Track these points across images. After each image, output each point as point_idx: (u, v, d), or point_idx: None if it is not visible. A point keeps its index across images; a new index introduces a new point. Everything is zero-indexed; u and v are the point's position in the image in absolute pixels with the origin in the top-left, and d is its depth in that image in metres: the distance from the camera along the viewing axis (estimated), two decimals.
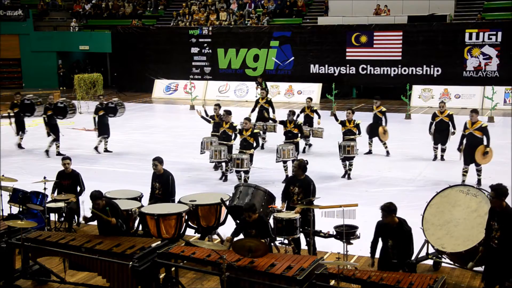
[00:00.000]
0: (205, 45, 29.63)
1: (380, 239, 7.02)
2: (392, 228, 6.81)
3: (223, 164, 13.20)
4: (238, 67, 29.11)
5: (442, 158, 14.77)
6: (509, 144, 14.98)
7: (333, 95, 22.72)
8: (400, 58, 26.23)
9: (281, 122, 13.99)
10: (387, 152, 15.37)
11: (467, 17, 27.54)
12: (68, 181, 9.89)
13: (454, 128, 14.46)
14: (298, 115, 14.96)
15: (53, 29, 35.00)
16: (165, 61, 30.22)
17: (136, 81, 30.76)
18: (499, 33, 24.66)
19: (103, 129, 16.08)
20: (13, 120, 16.57)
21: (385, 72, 26.61)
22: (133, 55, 30.83)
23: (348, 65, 27.12)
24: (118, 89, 30.71)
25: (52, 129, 15.82)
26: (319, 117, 15.87)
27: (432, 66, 25.86)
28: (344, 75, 27.24)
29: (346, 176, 13.18)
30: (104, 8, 35.26)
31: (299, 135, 13.76)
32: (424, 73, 26.02)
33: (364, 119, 14.80)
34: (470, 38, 25.14)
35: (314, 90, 26.87)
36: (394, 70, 26.43)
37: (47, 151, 15.62)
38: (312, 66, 27.77)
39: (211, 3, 32.89)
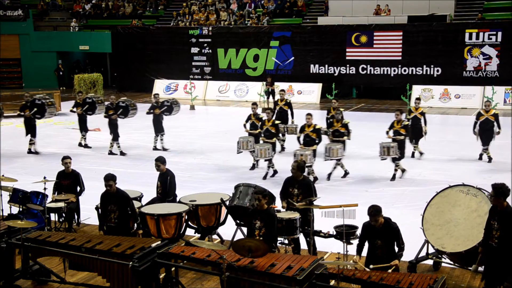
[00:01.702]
0: (205, 45, 29.63)
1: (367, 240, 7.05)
2: (379, 228, 6.81)
3: (269, 161, 13.33)
4: (238, 67, 29.10)
5: (480, 157, 14.55)
6: (509, 144, 14.98)
7: (333, 95, 22.72)
8: (400, 58, 26.22)
9: (329, 124, 13.63)
10: (420, 153, 14.98)
11: (467, 17, 27.54)
12: (68, 181, 9.89)
13: (499, 128, 14.31)
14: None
15: (53, 29, 35.00)
16: (165, 61, 30.21)
17: (136, 81, 30.76)
18: (499, 33, 24.65)
19: (158, 127, 16.26)
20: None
21: (385, 72, 26.60)
22: (133, 55, 30.82)
23: (348, 65, 27.11)
24: (118, 89, 30.71)
25: (112, 129, 15.87)
26: (293, 116, 15.81)
27: (432, 66, 25.85)
28: (344, 75, 27.23)
29: (392, 177, 13.04)
30: (104, 8, 35.27)
31: (346, 134, 13.45)
32: (424, 73, 26.02)
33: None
34: (470, 38, 25.13)
35: (314, 90, 26.88)
36: (394, 70, 26.42)
37: (111, 152, 15.77)
38: (312, 66, 27.76)
39: (211, 3, 32.89)
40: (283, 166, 13.25)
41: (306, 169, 12.28)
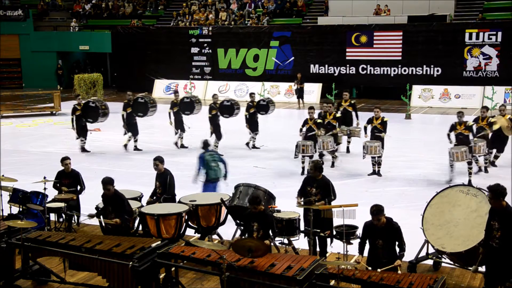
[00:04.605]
0: (205, 45, 29.64)
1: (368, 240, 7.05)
2: (380, 228, 6.81)
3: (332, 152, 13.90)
4: (238, 67, 29.12)
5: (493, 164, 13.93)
6: (508, 144, 14.98)
7: (333, 95, 22.72)
8: (400, 58, 26.24)
9: (452, 127, 12.99)
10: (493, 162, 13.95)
11: (467, 17, 27.56)
12: (68, 180, 9.89)
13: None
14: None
15: (53, 29, 35.01)
16: (165, 61, 30.22)
17: (136, 81, 30.72)
18: (499, 33, 24.68)
19: (254, 127, 16.31)
20: (173, 119, 16.51)
21: (385, 72, 26.61)
22: (133, 55, 30.83)
23: (348, 65, 27.13)
24: (118, 89, 30.71)
25: (215, 129, 15.69)
26: (358, 117, 15.66)
27: (432, 66, 25.87)
28: (344, 75, 27.24)
29: None
30: (104, 8, 35.27)
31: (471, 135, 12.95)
32: (424, 73, 26.03)
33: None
34: (470, 38, 25.15)
35: (314, 90, 26.87)
36: (394, 70, 26.44)
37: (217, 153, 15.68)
38: (312, 66, 27.78)
39: (211, 3, 32.90)
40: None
41: (372, 159, 13.16)
